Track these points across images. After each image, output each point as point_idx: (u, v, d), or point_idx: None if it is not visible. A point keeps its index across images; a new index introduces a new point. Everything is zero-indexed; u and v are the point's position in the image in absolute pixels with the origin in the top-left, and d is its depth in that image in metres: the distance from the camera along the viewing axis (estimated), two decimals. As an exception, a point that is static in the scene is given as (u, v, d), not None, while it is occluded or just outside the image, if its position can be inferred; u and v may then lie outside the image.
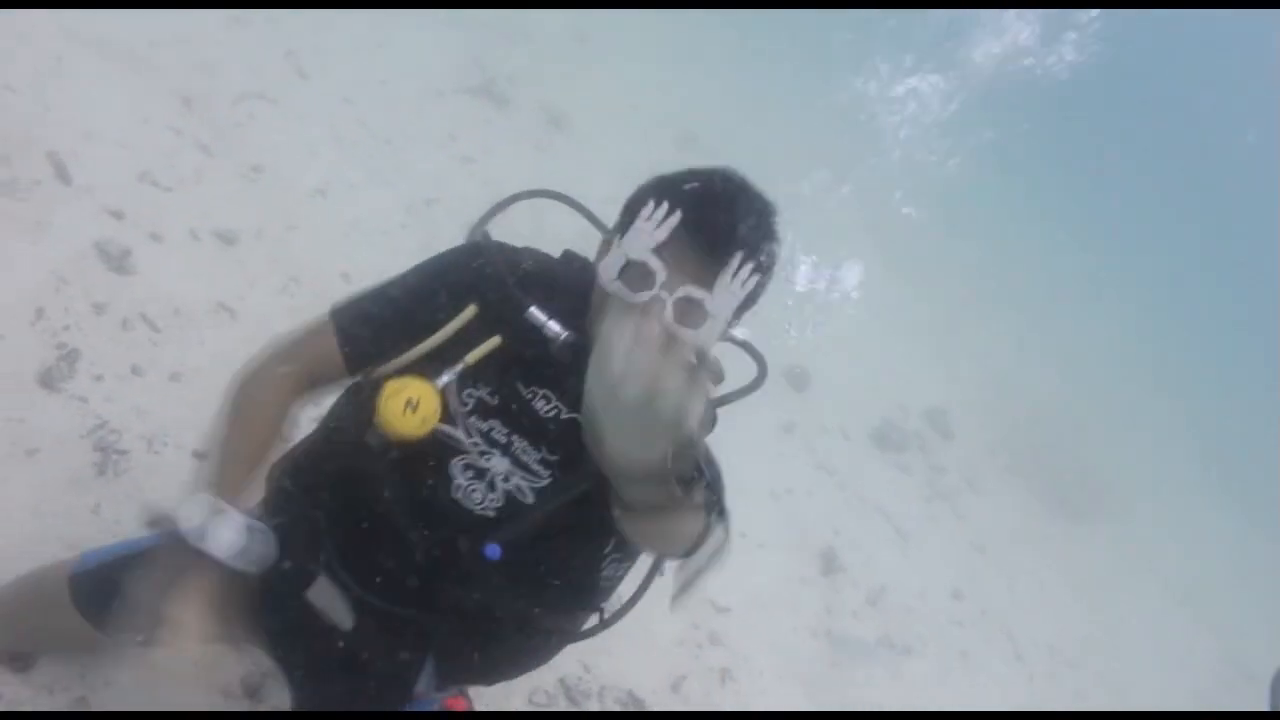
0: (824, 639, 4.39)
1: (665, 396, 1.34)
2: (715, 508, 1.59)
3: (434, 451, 1.65)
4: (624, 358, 1.37)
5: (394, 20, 6.77)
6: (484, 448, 1.66)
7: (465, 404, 1.66)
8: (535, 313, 1.62)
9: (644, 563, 1.90)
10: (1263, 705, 2.94)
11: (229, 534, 1.59)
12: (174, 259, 3.35)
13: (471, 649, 1.83)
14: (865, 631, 4.65)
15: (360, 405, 1.68)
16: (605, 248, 1.62)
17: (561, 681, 3.13)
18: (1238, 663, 7.58)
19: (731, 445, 1.84)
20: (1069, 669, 5.87)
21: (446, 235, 2.77)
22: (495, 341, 1.63)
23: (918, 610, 5.14)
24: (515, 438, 1.67)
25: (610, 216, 1.74)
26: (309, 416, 1.88)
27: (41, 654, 2.14)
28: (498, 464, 1.66)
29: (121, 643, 2.00)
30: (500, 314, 1.65)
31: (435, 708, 2.05)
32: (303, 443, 1.90)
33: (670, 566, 1.70)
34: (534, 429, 1.67)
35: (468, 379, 1.66)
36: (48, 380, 2.64)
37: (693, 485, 1.45)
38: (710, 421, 1.71)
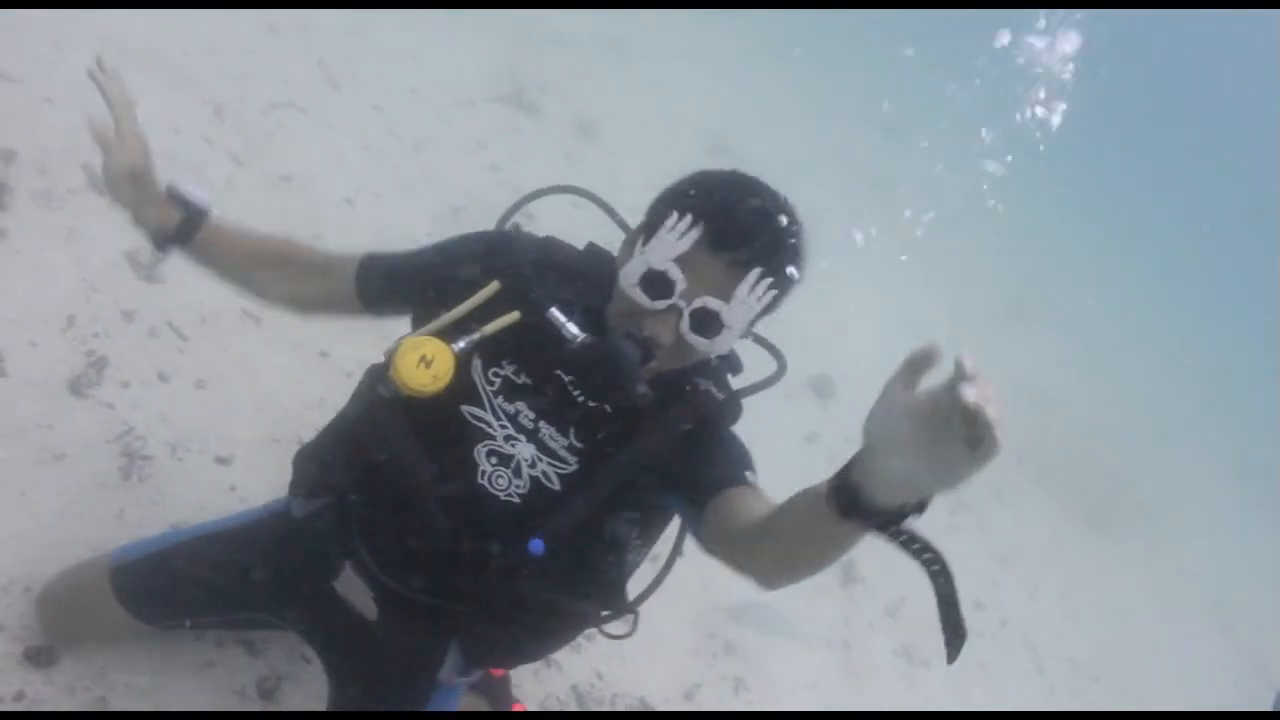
0: (840, 650, 4.40)
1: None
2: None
3: (462, 436, 1.71)
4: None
5: (426, 28, 6.84)
6: (511, 432, 1.71)
7: (492, 383, 1.71)
8: (555, 314, 1.66)
9: (659, 550, 1.95)
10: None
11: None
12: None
13: (497, 635, 1.91)
14: (883, 643, 4.65)
15: (377, 370, 1.76)
16: (629, 249, 1.66)
17: (574, 688, 3.17)
18: (1267, 678, 7.47)
19: (754, 453, 1.88)
20: (1092, 682, 5.82)
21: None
22: (514, 316, 1.68)
23: (937, 623, 5.12)
24: (542, 423, 1.71)
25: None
26: (332, 405, 1.97)
27: (81, 644, 2.22)
28: (523, 450, 1.71)
29: (165, 630, 2.10)
30: (521, 293, 1.70)
31: (460, 694, 2.13)
32: (327, 430, 1.99)
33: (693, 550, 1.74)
34: (561, 414, 1.71)
35: (490, 356, 1.71)
36: (76, 387, 2.72)
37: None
38: (736, 412, 1.76)
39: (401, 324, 1.95)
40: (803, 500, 1.28)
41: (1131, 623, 6.84)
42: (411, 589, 1.83)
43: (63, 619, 2.18)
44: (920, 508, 1.14)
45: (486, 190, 5.52)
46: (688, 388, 1.68)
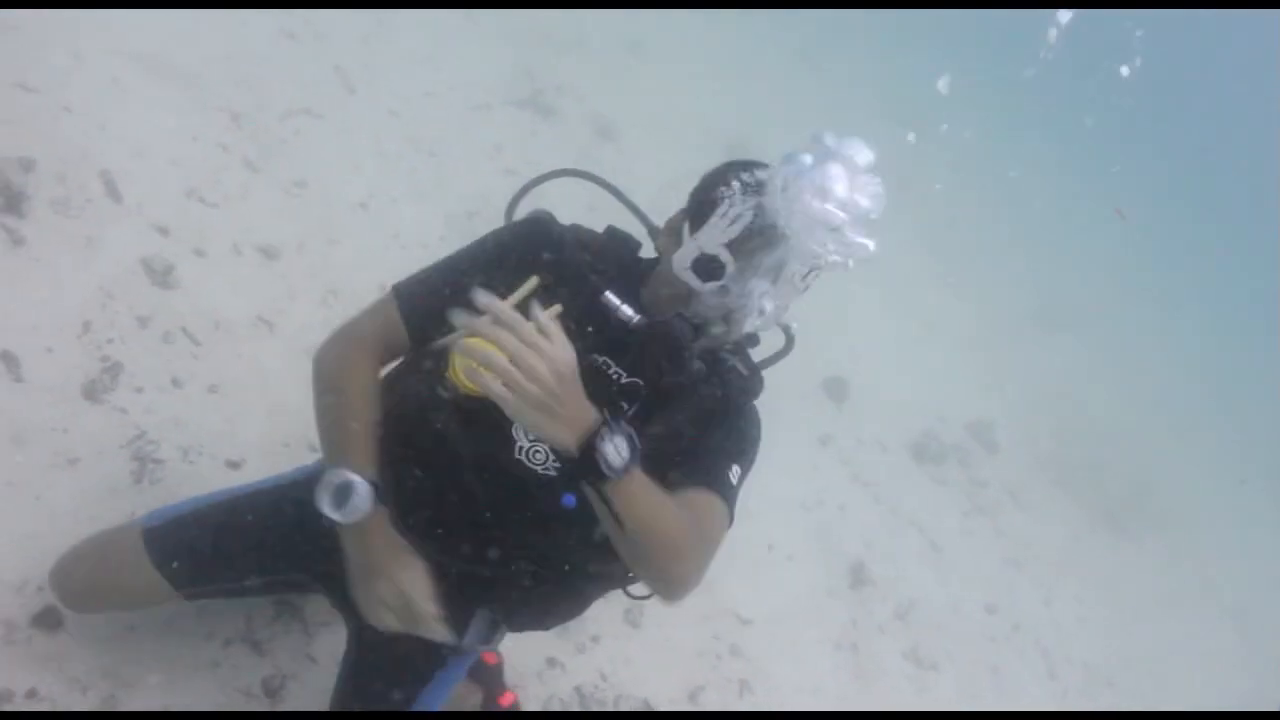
0: (848, 653, 4.42)
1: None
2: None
3: (498, 414, 1.74)
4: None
5: (443, 32, 6.91)
6: None
7: None
8: (610, 297, 1.77)
9: None
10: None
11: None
12: (216, 273, 3.50)
13: (528, 596, 1.99)
14: (892, 646, 4.67)
15: (430, 368, 1.83)
16: (674, 234, 1.77)
17: (578, 689, 3.22)
18: (1289, 684, 7.42)
19: (764, 458, 1.93)
20: (1106, 686, 5.81)
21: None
22: (556, 309, 1.72)
23: (948, 626, 5.14)
24: None
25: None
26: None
27: (96, 612, 2.27)
28: None
29: (188, 599, 2.14)
30: (562, 284, 1.80)
31: (469, 664, 2.24)
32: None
33: None
34: (597, 389, 1.75)
35: None
36: (91, 392, 2.79)
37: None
38: (759, 385, 1.91)
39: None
40: None
41: (1148, 625, 6.81)
42: (445, 554, 1.89)
43: (88, 580, 2.16)
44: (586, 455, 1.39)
45: (502, 194, 5.46)
46: (720, 364, 1.84)
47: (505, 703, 2.76)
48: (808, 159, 1.61)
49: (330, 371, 1.90)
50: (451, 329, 1.91)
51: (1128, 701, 5.79)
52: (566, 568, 1.92)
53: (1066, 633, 6.01)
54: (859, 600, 4.83)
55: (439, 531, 1.89)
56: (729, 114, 9.54)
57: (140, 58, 4.19)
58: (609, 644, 3.43)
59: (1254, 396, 15.25)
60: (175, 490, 2.72)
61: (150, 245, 3.38)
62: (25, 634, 2.25)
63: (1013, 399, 8.81)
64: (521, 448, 1.79)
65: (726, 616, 4.00)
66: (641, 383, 1.79)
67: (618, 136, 7.66)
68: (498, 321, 1.34)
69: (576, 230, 1.94)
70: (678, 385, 1.77)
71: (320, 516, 1.89)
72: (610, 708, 3.23)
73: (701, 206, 1.71)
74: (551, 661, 3.21)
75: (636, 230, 2.03)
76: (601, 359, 1.79)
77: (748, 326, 1.69)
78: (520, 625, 2.11)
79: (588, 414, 1.42)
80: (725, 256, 1.64)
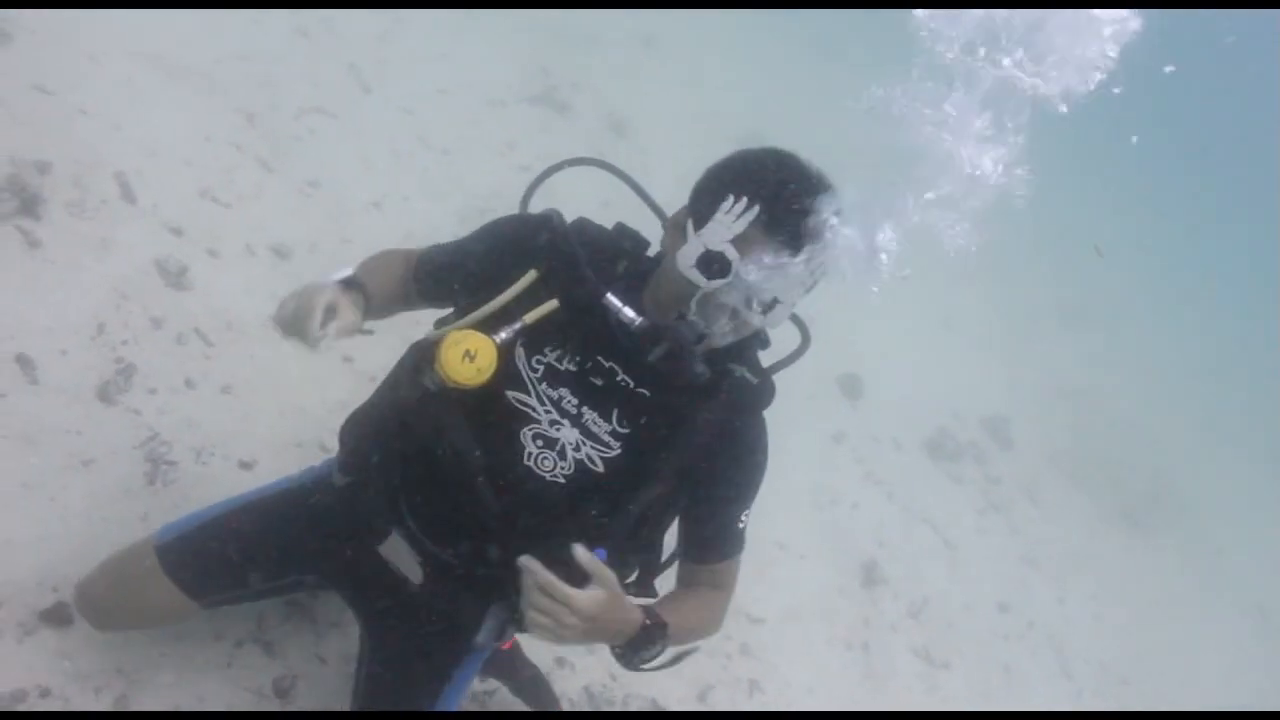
0: (859, 652, 4.42)
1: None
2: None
3: (507, 419, 1.79)
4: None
5: (458, 30, 6.93)
6: (555, 416, 1.79)
7: (535, 370, 1.80)
8: (612, 299, 1.74)
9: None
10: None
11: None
12: (229, 274, 3.52)
13: None
14: (904, 645, 4.67)
15: (422, 356, 1.82)
16: (678, 233, 1.73)
17: (586, 689, 3.23)
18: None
19: (778, 455, 1.94)
20: (1121, 685, 5.78)
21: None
22: (553, 305, 1.76)
23: (960, 624, 5.13)
24: (585, 408, 1.80)
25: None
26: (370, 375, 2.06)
27: (123, 631, 2.30)
28: (568, 434, 1.80)
29: (209, 607, 2.17)
30: (560, 281, 1.78)
31: (484, 659, 2.26)
32: (371, 400, 2.08)
33: None
34: (603, 399, 1.80)
35: (533, 344, 1.79)
36: (105, 394, 2.82)
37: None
38: (770, 394, 1.87)
39: (431, 311, 2.07)
40: None
41: (1164, 623, 6.76)
42: (459, 557, 1.92)
43: (110, 603, 2.19)
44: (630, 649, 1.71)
45: (515, 191, 5.48)
46: (726, 376, 1.79)
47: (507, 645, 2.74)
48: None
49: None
50: (445, 301, 1.97)
51: (1143, 699, 5.76)
52: (573, 572, 1.92)
53: (1081, 630, 5.98)
54: (871, 599, 4.82)
55: (446, 533, 1.91)
56: (745, 108, 9.52)
57: (155, 58, 4.22)
58: (618, 644, 3.44)
59: (1273, 392, 15.09)
60: (188, 492, 2.76)
61: (164, 246, 3.41)
62: (39, 633, 2.28)
63: (1028, 395, 8.77)
64: (530, 454, 1.80)
65: (737, 615, 4.00)
66: (649, 394, 1.78)
67: (632, 132, 7.67)
68: (536, 586, 1.58)
69: (583, 226, 1.91)
70: (683, 393, 1.75)
71: (329, 517, 1.93)
72: (619, 707, 3.25)
73: (705, 202, 1.68)
74: (561, 661, 3.23)
75: (651, 224, 2.01)
76: (609, 363, 1.78)
77: (755, 324, 1.66)
78: (521, 627, 2.12)
79: (627, 626, 1.67)
80: (731, 253, 1.60)
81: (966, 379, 8.21)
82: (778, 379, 1.94)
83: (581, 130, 7.23)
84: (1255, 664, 7.29)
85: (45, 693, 2.21)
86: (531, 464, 1.80)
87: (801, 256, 1.61)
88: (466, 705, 2.71)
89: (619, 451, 1.81)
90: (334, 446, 2.16)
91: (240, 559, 2.09)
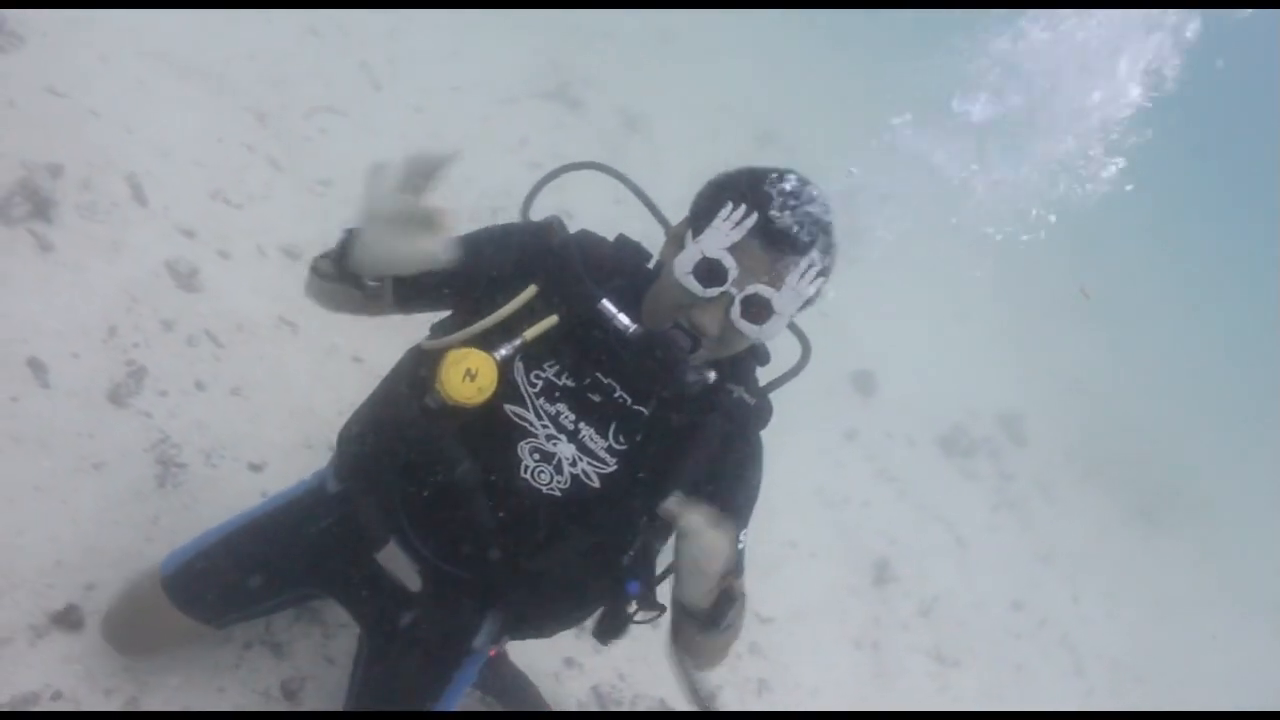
0: (869, 651, 4.42)
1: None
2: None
3: (505, 433, 1.80)
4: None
5: (469, 26, 6.90)
6: (552, 431, 1.80)
7: (534, 384, 1.80)
8: (608, 305, 1.73)
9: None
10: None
11: None
12: (240, 275, 3.54)
13: (530, 607, 2.03)
14: (915, 644, 4.66)
15: (422, 373, 1.81)
16: (676, 242, 1.73)
17: (595, 689, 3.24)
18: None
19: (790, 453, 1.94)
20: (1135, 683, 5.75)
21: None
22: (553, 320, 1.75)
23: (972, 622, 5.11)
24: (583, 424, 1.81)
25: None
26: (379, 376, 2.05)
27: (157, 656, 2.35)
28: (564, 449, 1.81)
29: (227, 625, 2.22)
30: (561, 295, 1.77)
31: (483, 662, 2.26)
32: (369, 407, 2.06)
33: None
34: (601, 416, 1.81)
35: (532, 359, 1.79)
36: (116, 396, 2.84)
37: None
38: (766, 415, 1.86)
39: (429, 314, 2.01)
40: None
41: (1179, 621, 6.72)
42: (456, 565, 1.93)
43: (133, 637, 2.28)
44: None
45: (526, 189, 5.56)
46: (721, 394, 1.78)
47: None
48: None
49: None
50: (432, 308, 1.92)
51: (1157, 698, 5.73)
52: (567, 580, 1.93)
53: (1094, 629, 5.96)
54: (881, 598, 4.82)
55: (443, 542, 1.92)
56: (761, 103, 9.48)
57: (166, 58, 4.24)
58: (626, 644, 3.39)
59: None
60: (198, 494, 2.78)
61: (175, 248, 3.43)
62: (50, 635, 2.31)
63: (1044, 390, 8.72)
64: (527, 467, 1.81)
65: (746, 615, 4.00)
66: (646, 411, 1.78)
67: (646, 128, 7.64)
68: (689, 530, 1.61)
69: (584, 237, 1.90)
70: (680, 410, 1.75)
71: (325, 529, 1.94)
72: (627, 707, 3.26)
73: (704, 209, 1.68)
74: (569, 662, 3.24)
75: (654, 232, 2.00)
76: (607, 380, 1.78)
77: (750, 335, 1.65)
78: (523, 634, 2.14)
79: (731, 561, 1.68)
80: (728, 261, 1.59)
81: (981, 375, 8.16)
82: (785, 387, 1.94)
83: (594, 126, 7.21)
84: (1273, 662, 7.24)
85: (57, 695, 2.24)
86: (528, 477, 1.81)
87: (800, 266, 1.61)
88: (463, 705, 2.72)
89: (615, 468, 1.81)
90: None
91: (243, 582, 2.13)
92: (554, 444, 1.80)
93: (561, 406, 1.80)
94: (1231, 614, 7.53)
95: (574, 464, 1.81)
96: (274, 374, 3.31)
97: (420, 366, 1.84)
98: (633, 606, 1.99)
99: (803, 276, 1.61)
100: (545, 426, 1.79)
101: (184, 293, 3.32)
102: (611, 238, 1.96)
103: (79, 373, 2.84)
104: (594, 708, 3.19)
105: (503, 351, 1.72)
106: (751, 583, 2.07)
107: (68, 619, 2.34)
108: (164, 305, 3.22)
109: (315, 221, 4.06)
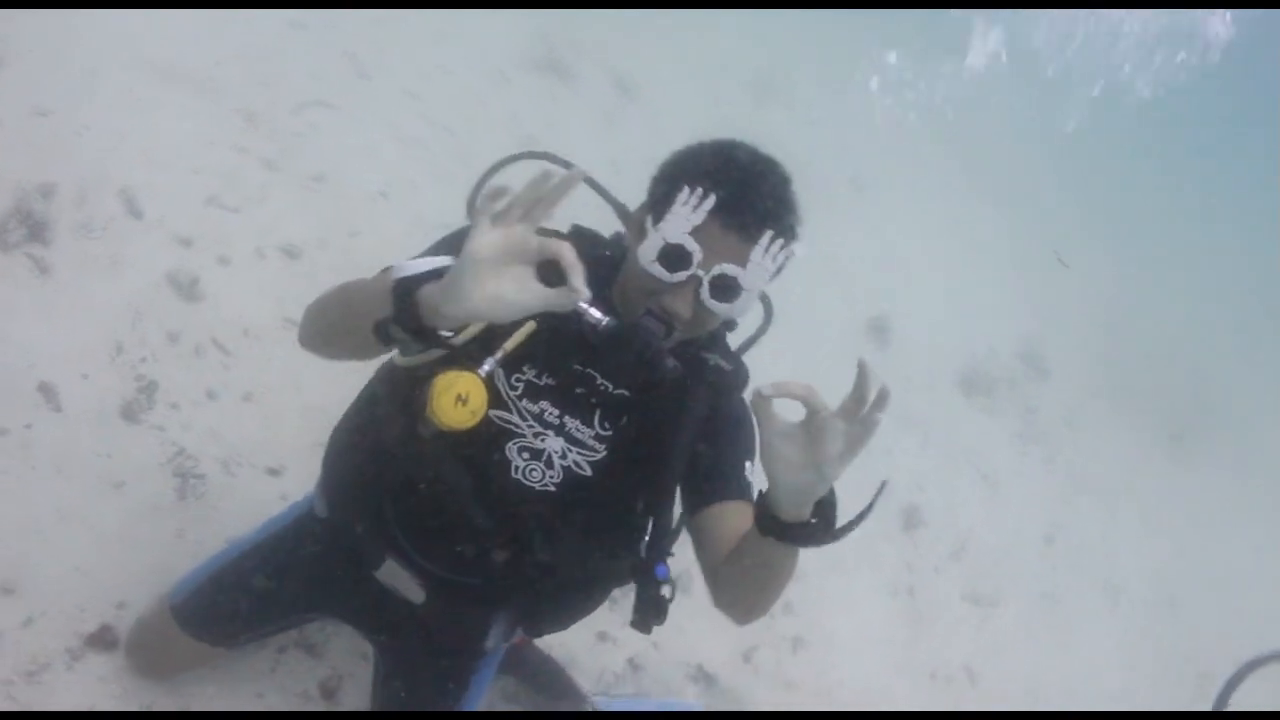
0: (904, 597, 4.42)
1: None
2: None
3: (491, 437, 1.78)
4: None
5: (455, 7, 6.81)
6: (538, 429, 1.80)
7: (515, 388, 1.79)
8: (580, 303, 1.69)
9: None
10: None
11: None
12: (241, 280, 3.54)
13: (537, 604, 2.04)
14: (948, 587, 4.66)
15: (409, 397, 1.73)
16: (638, 230, 1.69)
17: (630, 661, 3.26)
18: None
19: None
20: (1170, 608, 5.73)
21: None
22: (530, 327, 1.73)
23: (1005, 560, 5.11)
24: (567, 417, 1.80)
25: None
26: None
27: (180, 679, 2.39)
28: (553, 444, 1.80)
29: (241, 646, 2.29)
30: None
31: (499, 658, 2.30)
32: (350, 433, 2.06)
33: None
34: (584, 406, 1.80)
35: (512, 364, 1.77)
36: (129, 413, 2.86)
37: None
38: (745, 377, 1.86)
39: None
40: (750, 532, 1.57)
41: (1213, 545, 6.65)
42: (459, 573, 1.94)
43: (153, 663, 2.35)
44: (826, 523, 1.52)
45: (521, 164, 5.53)
46: (698, 364, 1.77)
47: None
48: None
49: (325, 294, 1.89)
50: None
51: (1192, 623, 5.68)
52: (575, 573, 1.93)
53: (1127, 557, 5.94)
54: (912, 543, 4.82)
55: (441, 552, 1.92)
56: (756, 57, 9.35)
57: (152, 65, 4.21)
58: (658, 613, 3.47)
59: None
60: (218, 504, 2.80)
61: (174, 258, 3.43)
62: (86, 657, 2.33)
63: (1061, 320, 8.62)
64: (518, 467, 1.80)
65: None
66: (629, 394, 1.77)
67: (640, 92, 7.56)
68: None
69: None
70: (661, 387, 1.72)
71: (321, 555, 1.97)
72: (665, 671, 3.27)
73: (662, 195, 1.65)
74: (602, 636, 3.25)
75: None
76: (587, 370, 1.76)
77: (721, 314, 1.64)
78: (537, 630, 2.17)
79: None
80: (691, 245, 1.58)
81: (996, 310, 8.08)
82: (804, 343, 1.92)
83: (588, 95, 7.14)
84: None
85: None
86: (520, 477, 1.80)
87: (762, 241, 1.59)
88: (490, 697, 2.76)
89: (604, 454, 1.81)
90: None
91: (249, 608, 2.19)
92: (541, 440, 1.79)
93: (545, 404, 1.79)
94: (1266, 535, 7.44)
95: (564, 456, 1.80)
96: (284, 376, 3.31)
97: (401, 389, 1.77)
98: (667, 590, 2.00)
99: (766, 251, 1.59)
100: (531, 425, 1.79)
101: (187, 303, 3.32)
102: (565, 229, 1.88)
103: (90, 393, 2.85)
104: (629, 680, 3.21)
105: (486, 367, 1.68)
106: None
107: (102, 639, 2.36)
108: (168, 317, 3.22)
109: (311, 218, 4.05)
